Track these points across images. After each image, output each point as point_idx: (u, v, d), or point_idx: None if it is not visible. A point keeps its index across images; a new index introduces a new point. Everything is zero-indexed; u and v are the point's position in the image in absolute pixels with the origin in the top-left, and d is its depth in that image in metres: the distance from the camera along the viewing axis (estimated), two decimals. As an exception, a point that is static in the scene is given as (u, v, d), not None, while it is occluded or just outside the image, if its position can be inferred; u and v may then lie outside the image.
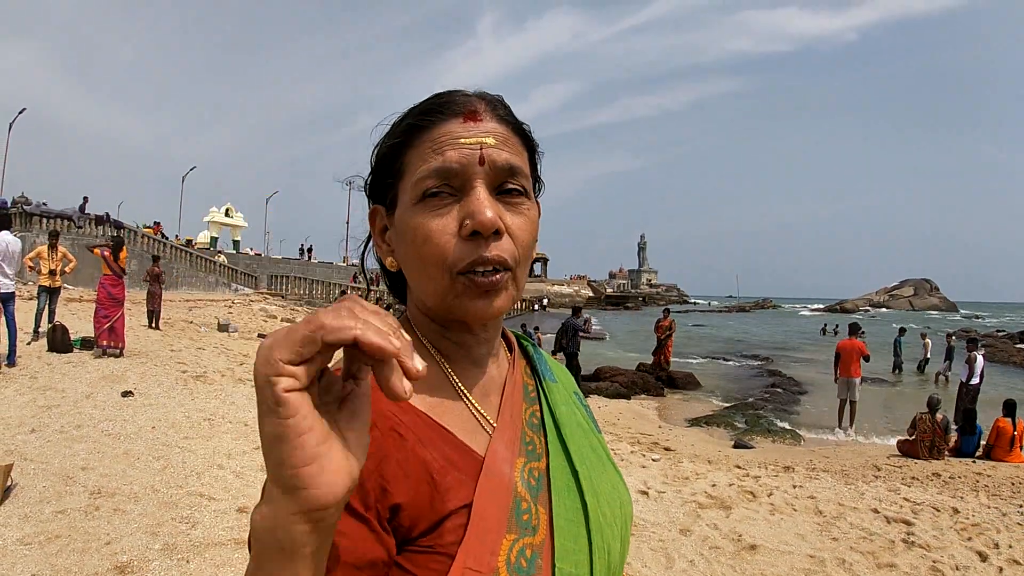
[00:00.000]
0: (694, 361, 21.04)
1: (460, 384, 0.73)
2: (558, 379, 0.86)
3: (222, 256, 34.10)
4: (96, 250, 9.68)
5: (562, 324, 12.79)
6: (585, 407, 0.88)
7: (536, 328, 23.51)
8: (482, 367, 0.76)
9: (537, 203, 0.78)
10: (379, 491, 0.59)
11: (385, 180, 0.74)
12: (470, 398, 0.73)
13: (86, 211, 28.39)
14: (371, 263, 0.84)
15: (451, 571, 0.60)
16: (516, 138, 0.72)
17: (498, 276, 0.67)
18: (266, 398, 0.43)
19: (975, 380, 10.62)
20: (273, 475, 0.44)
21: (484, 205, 0.65)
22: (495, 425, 0.72)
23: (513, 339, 0.86)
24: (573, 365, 12.15)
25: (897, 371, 18.76)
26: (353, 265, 45.69)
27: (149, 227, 34.83)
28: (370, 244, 0.81)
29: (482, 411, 0.72)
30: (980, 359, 10.76)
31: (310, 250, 47.06)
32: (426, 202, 0.67)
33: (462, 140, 0.67)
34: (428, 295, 0.70)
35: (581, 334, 12.60)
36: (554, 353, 12.62)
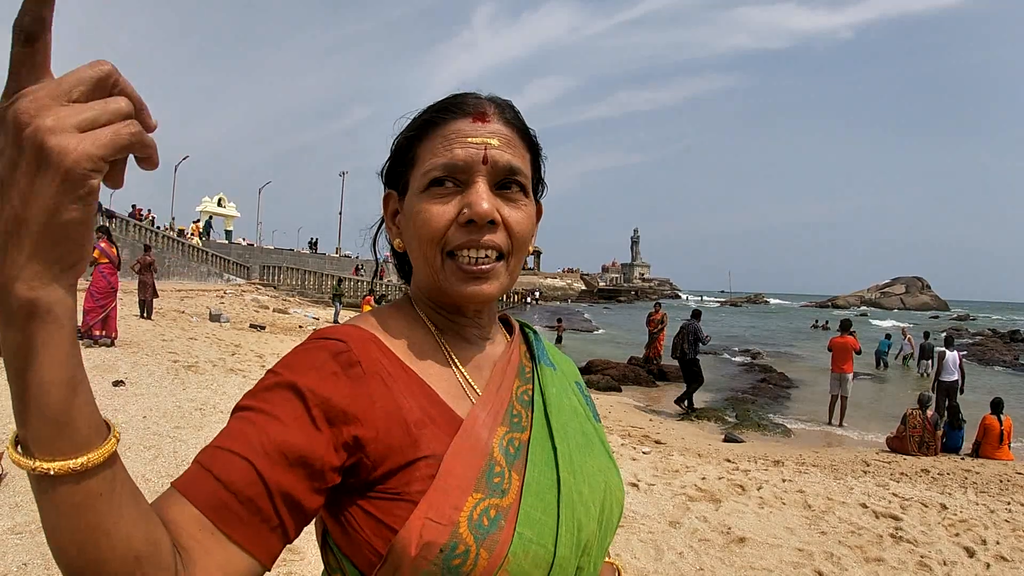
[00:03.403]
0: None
1: (452, 354, 0.78)
2: (558, 367, 0.90)
3: (196, 240, 33.97)
4: (96, 251, 9.44)
5: (681, 328, 11.62)
6: (586, 396, 0.93)
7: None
8: (475, 345, 0.82)
9: (539, 203, 0.85)
10: (347, 417, 0.64)
11: (399, 168, 0.80)
12: (460, 366, 0.78)
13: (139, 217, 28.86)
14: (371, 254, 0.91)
15: (411, 518, 0.63)
16: (520, 140, 0.78)
17: (487, 265, 0.73)
18: (77, 187, 0.42)
19: (948, 376, 10.77)
20: (49, 249, 0.43)
21: (482, 197, 0.71)
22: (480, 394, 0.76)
23: (516, 324, 0.92)
24: (694, 372, 11.30)
25: (883, 366, 18.99)
26: (345, 257, 45.65)
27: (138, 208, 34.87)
28: (381, 227, 0.88)
29: (471, 381, 0.77)
30: (950, 356, 10.89)
31: (315, 243, 47.20)
32: (431, 190, 0.73)
33: (469, 139, 0.73)
34: (424, 274, 0.77)
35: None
36: (672, 357, 11.83)
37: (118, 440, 0.50)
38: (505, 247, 0.74)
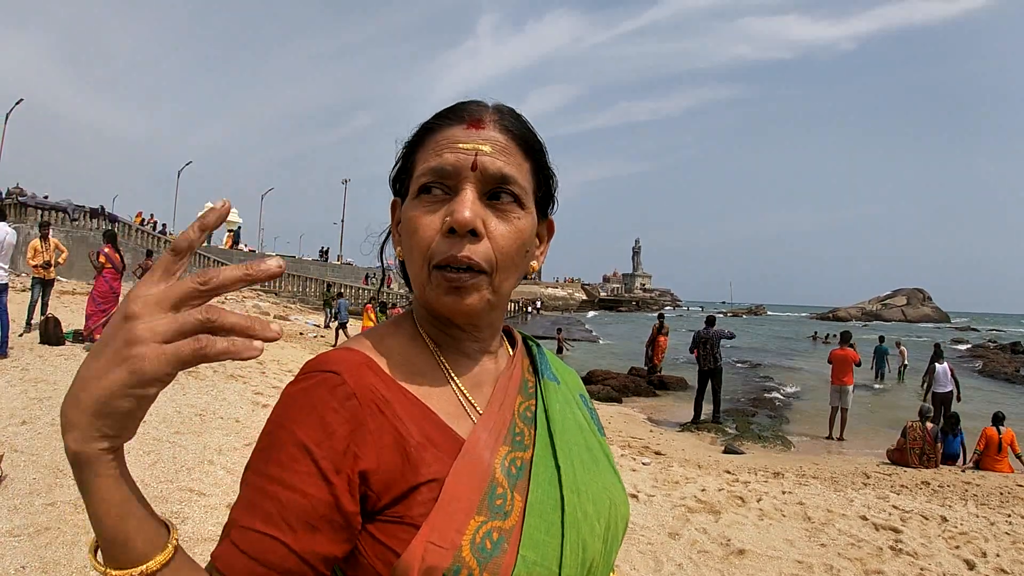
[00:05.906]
0: (685, 365, 21.04)
1: (451, 371, 0.76)
2: (561, 380, 0.88)
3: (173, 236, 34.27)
4: (102, 256, 9.46)
5: (704, 339, 11.37)
6: (590, 410, 0.91)
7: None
8: (474, 360, 0.79)
9: (550, 220, 0.84)
10: (351, 456, 0.63)
11: (401, 176, 0.80)
12: (459, 384, 0.76)
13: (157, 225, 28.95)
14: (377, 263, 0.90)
15: (413, 542, 0.62)
16: (518, 149, 0.75)
17: (466, 276, 0.70)
18: (137, 388, 0.49)
19: (941, 388, 11.18)
20: (97, 419, 0.51)
21: (464, 205, 0.69)
22: (482, 413, 0.74)
23: (519, 338, 0.89)
24: (719, 381, 11.20)
25: (880, 378, 19.01)
26: (347, 264, 45.67)
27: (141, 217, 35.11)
28: (389, 236, 0.86)
29: (471, 399, 0.75)
30: (939, 368, 11.26)
31: (326, 252, 47.45)
32: (422, 197, 0.72)
33: (460, 144, 0.72)
34: (415, 285, 0.75)
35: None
36: (704, 369, 11.27)
37: (176, 548, 0.57)
38: (487, 262, 0.70)
